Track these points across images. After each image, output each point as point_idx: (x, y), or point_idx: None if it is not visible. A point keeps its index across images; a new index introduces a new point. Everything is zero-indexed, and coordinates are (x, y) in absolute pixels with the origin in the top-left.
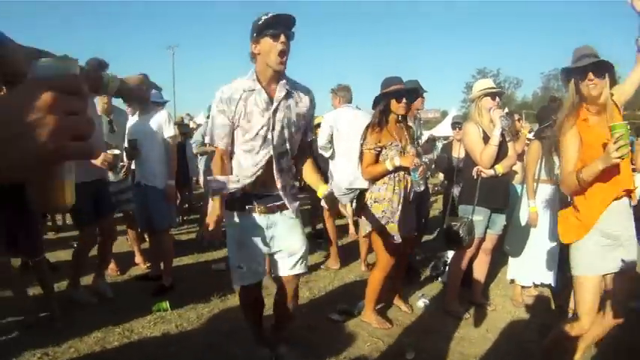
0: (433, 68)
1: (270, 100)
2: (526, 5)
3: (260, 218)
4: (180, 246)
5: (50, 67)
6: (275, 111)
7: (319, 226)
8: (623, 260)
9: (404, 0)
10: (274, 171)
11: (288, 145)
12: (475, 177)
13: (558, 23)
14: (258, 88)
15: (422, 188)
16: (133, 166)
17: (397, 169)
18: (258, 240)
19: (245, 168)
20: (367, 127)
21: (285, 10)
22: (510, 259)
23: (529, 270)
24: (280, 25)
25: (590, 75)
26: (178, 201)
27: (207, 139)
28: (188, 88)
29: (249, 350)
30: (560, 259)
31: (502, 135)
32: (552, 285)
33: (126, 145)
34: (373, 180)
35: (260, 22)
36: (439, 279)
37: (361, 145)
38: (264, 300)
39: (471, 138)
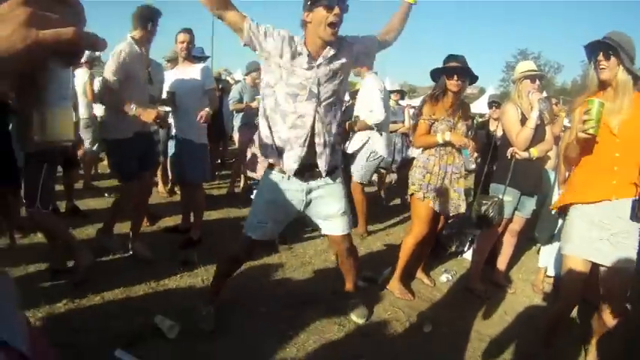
0: (474, 45)
1: (313, 59)
2: None
3: (298, 183)
4: (211, 200)
5: None
6: (319, 66)
7: None
8: (613, 258)
9: None
10: (316, 123)
11: (334, 97)
12: (509, 157)
13: (605, 13)
14: (305, 52)
15: (473, 166)
16: (170, 120)
17: (446, 143)
18: (291, 205)
19: (284, 111)
20: (424, 98)
21: None
22: (542, 248)
23: (557, 260)
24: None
25: (600, 56)
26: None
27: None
28: (227, 43)
29: (275, 309)
30: None
31: (540, 118)
32: None
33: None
34: (423, 148)
35: None
36: (463, 255)
37: (417, 114)
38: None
39: (509, 118)
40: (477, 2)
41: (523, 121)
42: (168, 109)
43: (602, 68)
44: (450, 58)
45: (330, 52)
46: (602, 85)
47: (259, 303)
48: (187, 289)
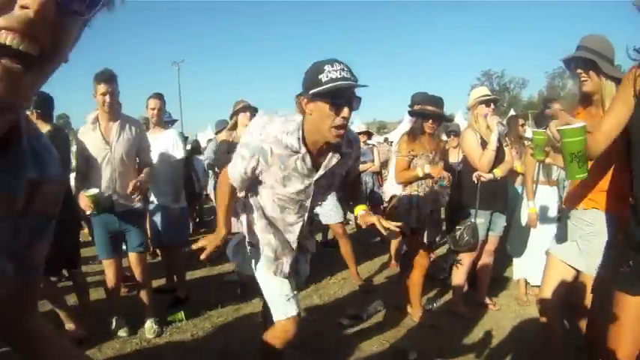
0: (439, 71)
1: (315, 166)
2: (529, 5)
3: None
4: (193, 259)
5: None
6: (318, 180)
7: (330, 236)
8: (579, 260)
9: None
10: (305, 230)
11: (320, 203)
12: (475, 182)
13: (565, 21)
14: (304, 151)
15: (446, 198)
16: None
17: (426, 176)
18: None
19: (271, 216)
20: (402, 136)
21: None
22: (515, 260)
23: (536, 270)
24: (345, 95)
25: (579, 69)
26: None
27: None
28: (194, 102)
29: None
30: None
31: (499, 140)
32: None
33: None
34: (404, 184)
35: (321, 83)
36: (446, 282)
37: (395, 152)
38: None
39: (469, 144)
40: (438, 32)
41: (482, 144)
42: (94, 191)
43: (584, 80)
44: (430, 100)
45: (333, 159)
46: (586, 96)
47: (249, 351)
48: (178, 346)
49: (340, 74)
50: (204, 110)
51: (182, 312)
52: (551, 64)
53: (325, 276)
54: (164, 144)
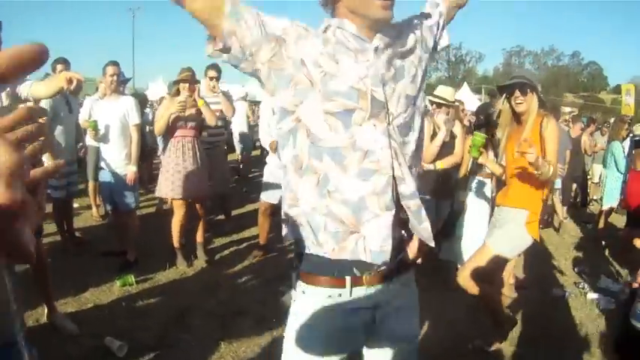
0: None
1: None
2: None
3: (365, 292)
4: (141, 219)
5: None
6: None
7: None
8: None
9: None
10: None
11: (411, 111)
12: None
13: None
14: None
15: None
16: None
17: None
18: (353, 333)
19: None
20: None
21: None
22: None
23: (463, 253)
24: None
25: (517, 92)
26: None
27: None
28: (148, 50)
29: (208, 321)
30: None
31: (452, 136)
32: None
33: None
34: None
35: None
36: None
37: None
38: None
39: None
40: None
41: (434, 136)
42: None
43: (520, 103)
44: None
45: (382, 39)
46: (517, 116)
47: (194, 317)
48: (128, 311)
49: None
50: (157, 57)
51: (132, 276)
52: (509, 42)
53: (271, 246)
54: (120, 111)
